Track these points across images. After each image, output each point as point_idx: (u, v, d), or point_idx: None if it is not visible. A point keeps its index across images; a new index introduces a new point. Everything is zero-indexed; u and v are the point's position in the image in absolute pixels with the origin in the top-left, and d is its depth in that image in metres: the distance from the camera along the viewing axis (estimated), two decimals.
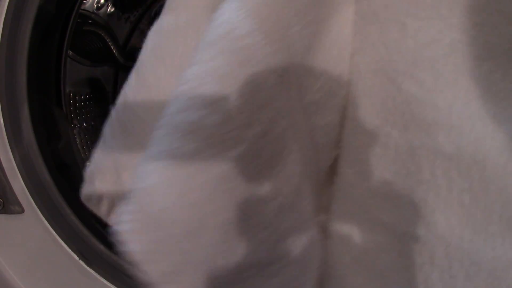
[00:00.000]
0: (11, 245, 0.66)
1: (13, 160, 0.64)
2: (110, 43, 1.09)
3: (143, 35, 1.25)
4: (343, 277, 0.58)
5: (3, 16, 0.63)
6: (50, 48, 0.73)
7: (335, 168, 0.61)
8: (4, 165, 0.64)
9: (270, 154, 0.48)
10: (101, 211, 0.63)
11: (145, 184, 0.44)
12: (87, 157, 1.03)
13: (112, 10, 1.14)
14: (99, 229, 0.69)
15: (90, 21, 1.06)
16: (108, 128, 0.62)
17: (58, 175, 0.67)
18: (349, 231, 0.58)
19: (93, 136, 1.10)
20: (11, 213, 0.65)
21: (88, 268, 0.65)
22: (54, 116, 0.72)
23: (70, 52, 0.98)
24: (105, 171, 0.61)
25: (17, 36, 0.64)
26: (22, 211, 0.65)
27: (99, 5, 1.08)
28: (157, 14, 1.24)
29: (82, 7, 1.00)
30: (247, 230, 0.47)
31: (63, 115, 0.74)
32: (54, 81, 0.75)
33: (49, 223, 0.65)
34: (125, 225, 0.44)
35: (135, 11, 1.24)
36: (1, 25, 0.63)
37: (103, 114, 1.19)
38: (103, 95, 1.23)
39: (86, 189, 0.62)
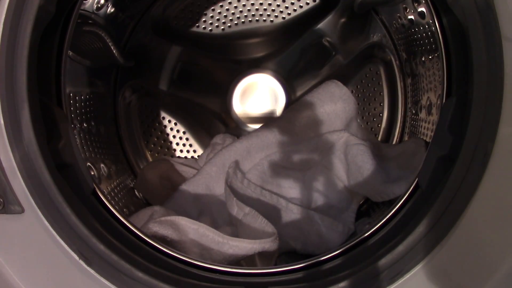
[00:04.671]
0: (11, 244, 0.66)
1: (13, 160, 0.64)
2: (110, 43, 1.09)
3: (142, 35, 1.25)
4: None
5: (3, 16, 0.63)
6: (50, 48, 0.73)
7: None
8: (4, 165, 0.64)
9: None
10: None
11: None
12: (87, 157, 1.03)
13: (112, 10, 1.14)
14: (99, 229, 0.69)
15: (90, 21, 1.06)
16: None
17: (58, 175, 0.67)
18: None
19: (93, 136, 1.10)
20: (11, 213, 0.65)
21: (88, 268, 0.65)
22: (54, 116, 0.72)
23: (70, 52, 0.98)
24: None
25: (17, 36, 0.64)
26: (22, 211, 0.65)
27: (99, 5, 1.08)
28: (155, 15, 1.24)
29: (82, 7, 1.00)
30: None
31: (63, 115, 0.74)
32: (54, 81, 0.75)
33: (49, 222, 0.65)
34: None
35: (134, 12, 1.24)
36: (1, 25, 0.63)
37: (103, 114, 1.20)
38: (103, 95, 1.22)
39: None
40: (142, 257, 0.69)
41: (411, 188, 0.73)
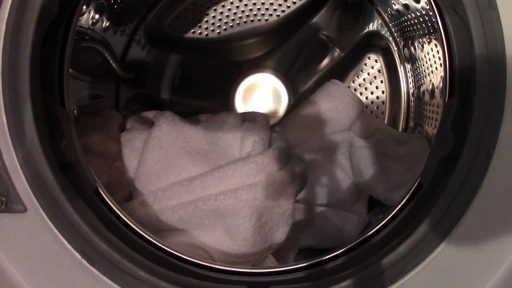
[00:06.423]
0: (14, 244, 0.66)
1: (15, 159, 0.64)
2: (108, 57, 1.10)
3: (139, 46, 1.25)
4: None
5: (6, 15, 0.63)
6: (52, 47, 0.74)
7: None
8: (7, 164, 0.64)
9: None
10: None
11: None
12: None
13: (107, 24, 1.14)
14: (102, 228, 0.69)
15: (87, 37, 1.06)
16: None
17: (60, 174, 0.67)
18: None
19: None
20: (14, 212, 0.65)
21: (90, 267, 0.65)
22: (57, 115, 0.72)
23: (70, 70, 0.98)
24: None
25: (20, 35, 0.64)
26: (25, 210, 0.65)
27: (94, 20, 1.08)
28: (150, 25, 1.24)
29: (78, 23, 0.99)
30: None
31: (66, 114, 0.74)
32: (57, 80, 0.75)
33: (51, 222, 0.65)
34: None
35: (130, 24, 1.24)
36: (4, 24, 0.64)
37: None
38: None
39: None
40: (145, 256, 0.69)
41: (414, 188, 0.73)
